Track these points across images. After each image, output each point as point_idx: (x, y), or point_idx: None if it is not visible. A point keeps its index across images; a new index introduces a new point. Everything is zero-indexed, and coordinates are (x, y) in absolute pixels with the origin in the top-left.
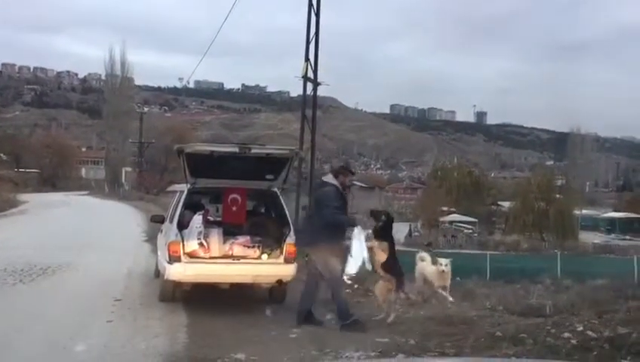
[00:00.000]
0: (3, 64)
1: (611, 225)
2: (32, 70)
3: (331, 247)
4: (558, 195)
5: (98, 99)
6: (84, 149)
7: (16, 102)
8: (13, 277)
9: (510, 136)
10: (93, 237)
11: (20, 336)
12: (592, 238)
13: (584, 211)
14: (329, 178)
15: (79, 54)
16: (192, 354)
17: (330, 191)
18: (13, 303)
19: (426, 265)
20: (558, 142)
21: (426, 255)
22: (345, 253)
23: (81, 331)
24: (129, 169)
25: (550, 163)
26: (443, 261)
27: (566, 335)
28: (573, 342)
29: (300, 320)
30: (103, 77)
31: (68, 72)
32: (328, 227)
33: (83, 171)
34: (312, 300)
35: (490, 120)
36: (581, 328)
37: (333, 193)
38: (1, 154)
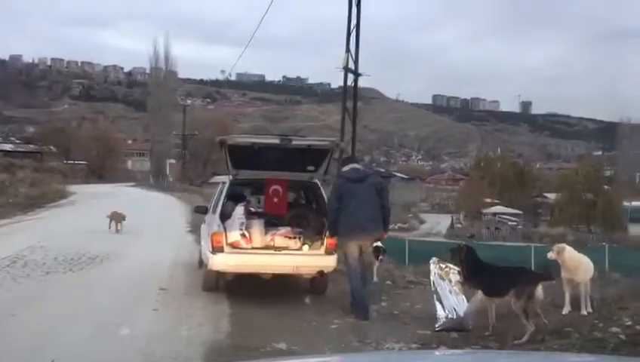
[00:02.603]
0: (52, 59)
1: None
2: (79, 65)
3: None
4: (606, 186)
5: (143, 92)
6: (129, 142)
7: (65, 95)
8: (63, 266)
9: (556, 126)
10: (139, 228)
11: (71, 323)
12: None
13: (634, 203)
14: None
15: (125, 48)
16: (234, 342)
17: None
18: (64, 291)
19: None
20: (607, 132)
21: (564, 246)
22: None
23: (129, 318)
24: (173, 161)
25: (598, 153)
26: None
27: (614, 329)
28: (622, 336)
29: (363, 312)
30: (148, 70)
31: (114, 66)
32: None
33: (129, 163)
34: (364, 290)
35: (536, 110)
36: (630, 322)
37: None
38: (51, 147)
